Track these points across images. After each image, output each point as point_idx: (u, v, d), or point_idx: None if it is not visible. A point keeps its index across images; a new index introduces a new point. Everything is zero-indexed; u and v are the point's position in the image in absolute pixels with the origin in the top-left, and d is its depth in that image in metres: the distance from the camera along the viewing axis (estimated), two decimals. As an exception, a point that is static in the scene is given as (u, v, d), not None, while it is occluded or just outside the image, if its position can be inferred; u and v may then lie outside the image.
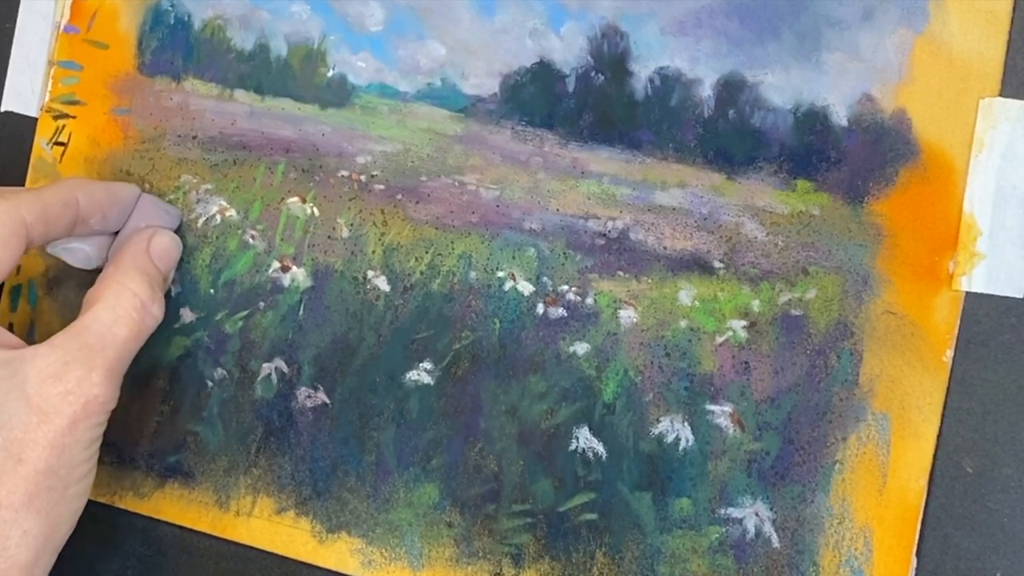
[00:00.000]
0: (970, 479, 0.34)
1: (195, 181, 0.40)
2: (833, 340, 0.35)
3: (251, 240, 0.40)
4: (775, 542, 0.35)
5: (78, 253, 0.37)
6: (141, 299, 0.35)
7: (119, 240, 0.38)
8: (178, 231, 0.39)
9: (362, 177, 0.39)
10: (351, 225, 0.39)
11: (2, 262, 0.33)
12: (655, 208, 0.36)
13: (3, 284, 0.33)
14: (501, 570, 0.37)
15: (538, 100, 0.37)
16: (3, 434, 0.32)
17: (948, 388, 0.34)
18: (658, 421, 0.36)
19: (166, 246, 0.38)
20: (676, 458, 0.36)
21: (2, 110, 0.42)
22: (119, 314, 0.35)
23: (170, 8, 0.41)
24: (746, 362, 0.35)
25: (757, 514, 0.35)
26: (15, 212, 0.33)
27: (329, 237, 0.39)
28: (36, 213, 0.34)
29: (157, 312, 0.36)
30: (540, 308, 0.37)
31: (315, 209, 0.39)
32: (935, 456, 0.34)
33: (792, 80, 0.36)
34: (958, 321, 0.34)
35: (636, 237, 0.37)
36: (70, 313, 0.41)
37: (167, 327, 0.40)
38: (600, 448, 0.36)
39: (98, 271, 0.37)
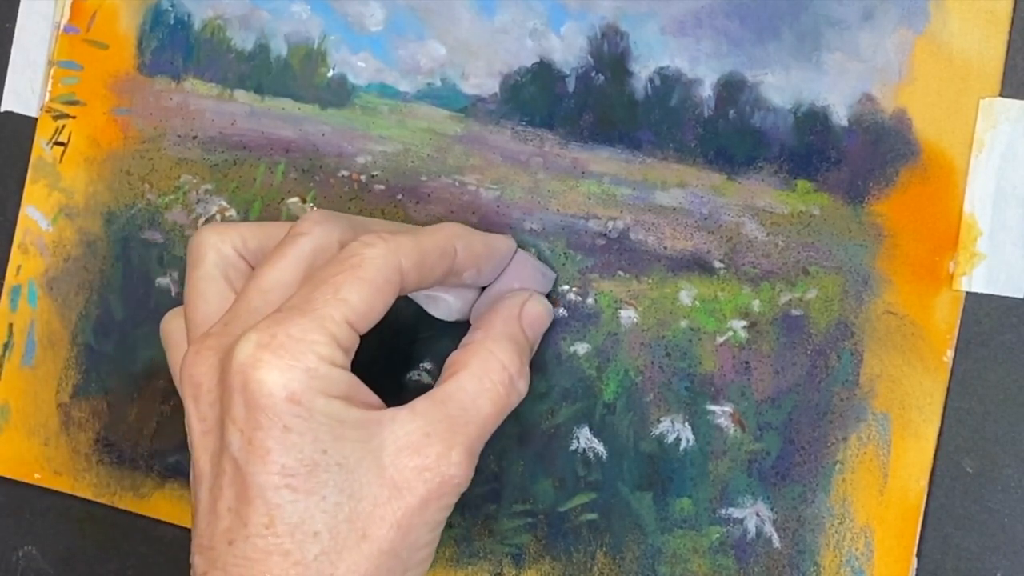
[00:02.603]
0: (970, 479, 0.34)
1: (195, 181, 0.40)
2: (833, 340, 0.35)
3: (251, 240, 0.40)
4: (776, 542, 0.35)
5: (442, 304, 0.35)
6: (510, 372, 0.32)
7: (487, 298, 0.35)
8: (549, 296, 0.36)
9: (362, 177, 0.39)
10: (351, 225, 0.39)
11: (373, 310, 0.30)
12: (655, 208, 0.36)
13: (367, 332, 0.30)
14: (502, 570, 0.37)
15: (538, 100, 0.37)
16: (351, 504, 0.29)
17: (948, 388, 0.34)
18: (659, 421, 0.36)
19: (539, 314, 0.35)
20: (677, 458, 0.36)
21: (2, 110, 0.42)
22: (485, 387, 0.31)
23: (170, 8, 0.41)
24: (747, 362, 0.35)
25: (758, 514, 0.35)
26: (393, 257, 0.30)
27: (329, 237, 0.39)
28: (414, 260, 0.31)
29: (523, 388, 0.32)
30: (540, 308, 0.37)
31: (314, 208, 0.39)
32: (936, 456, 0.34)
33: (792, 80, 0.36)
34: (958, 321, 0.34)
35: (636, 237, 0.37)
36: (70, 313, 0.41)
37: (167, 327, 0.40)
38: (601, 448, 0.36)
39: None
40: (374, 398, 0.30)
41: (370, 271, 0.29)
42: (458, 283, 0.34)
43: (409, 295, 0.34)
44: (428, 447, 0.30)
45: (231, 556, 0.28)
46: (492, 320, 0.33)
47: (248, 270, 0.33)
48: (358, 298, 0.29)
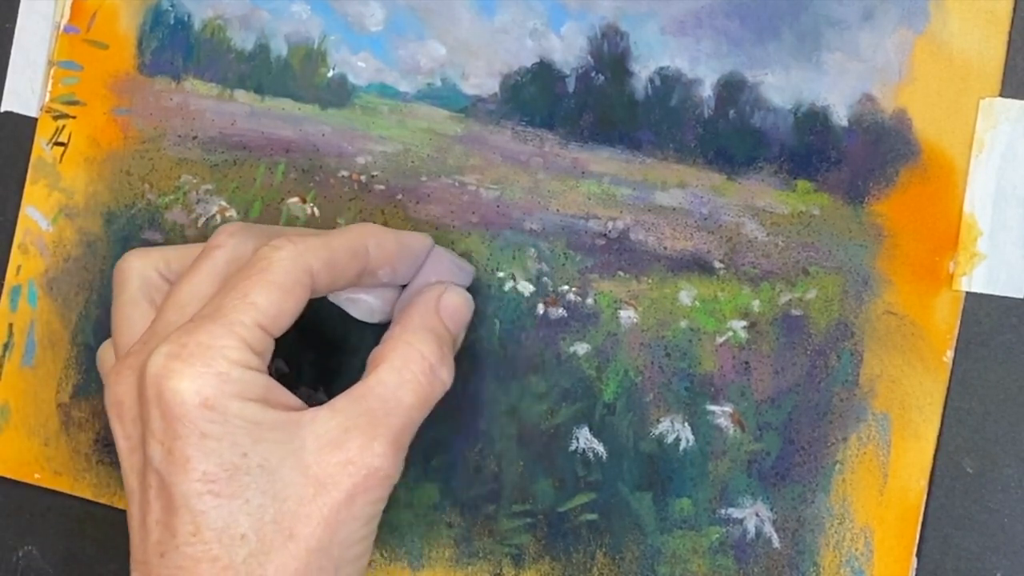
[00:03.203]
0: (970, 479, 0.34)
1: (195, 181, 0.40)
2: (833, 340, 0.35)
3: (251, 240, 0.40)
4: (775, 542, 0.35)
5: (362, 305, 0.35)
6: (430, 362, 0.32)
7: (407, 295, 0.35)
8: (469, 289, 0.36)
9: (362, 177, 0.39)
10: (351, 225, 0.39)
11: (285, 312, 0.30)
12: (655, 208, 0.36)
13: (278, 336, 0.31)
14: (501, 570, 0.37)
15: (538, 100, 0.37)
16: (276, 505, 0.29)
17: (948, 388, 0.34)
18: (658, 421, 0.36)
19: (458, 305, 0.34)
20: (676, 458, 0.36)
21: (2, 110, 0.42)
22: (405, 378, 0.31)
23: (170, 8, 0.41)
24: (746, 362, 0.35)
25: (757, 514, 0.35)
26: (301, 259, 0.30)
27: (329, 237, 0.39)
28: (323, 260, 0.31)
29: (446, 377, 0.32)
30: (540, 308, 0.37)
31: (315, 209, 0.39)
32: (935, 456, 0.34)
33: (792, 80, 0.36)
34: (958, 321, 0.34)
35: (636, 237, 0.37)
36: (70, 313, 0.41)
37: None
38: (600, 448, 0.36)
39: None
40: (293, 400, 0.30)
41: (278, 273, 0.30)
42: (375, 282, 0.34)
43: (329, 298, 0.35)
44: (349, 441, 0.30)
45: (164, 568, 0.29)
46: (410, 314, 0.33)
47: None
48: (267, 301, 0.29)
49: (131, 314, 0.33)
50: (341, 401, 0.30)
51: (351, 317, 0.35)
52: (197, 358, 0.28)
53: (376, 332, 0.34)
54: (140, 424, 0.30)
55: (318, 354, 0.38)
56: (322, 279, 0.31)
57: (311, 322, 0.31)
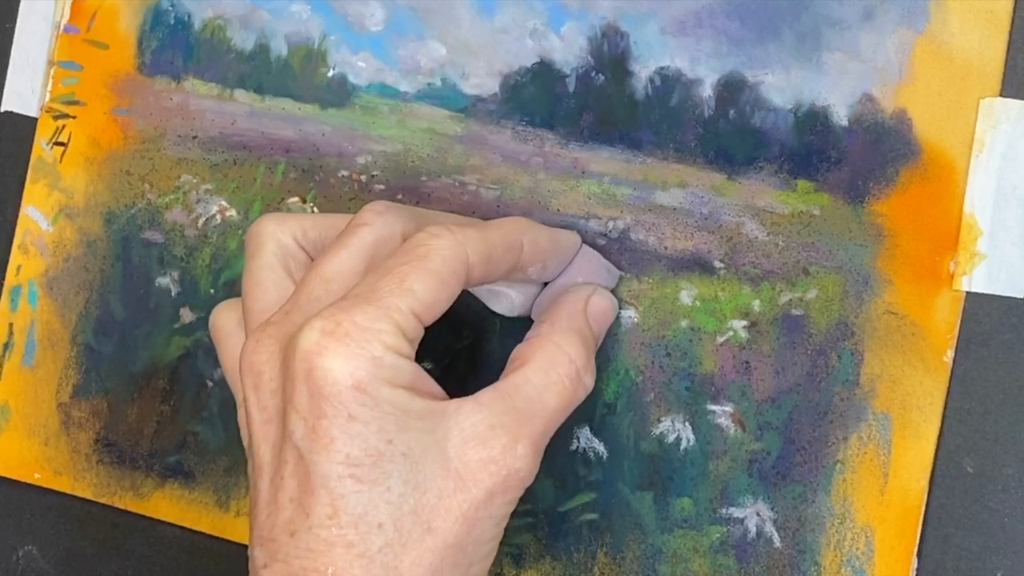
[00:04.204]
0: (971, 479, 0.34)
1: (195, 181, 0.40)
2: (834, 340, 0.35)
3: (251, 240, 0.40)
4: (776, 542, 0.35)
5: (504, 299, 0.34)
6: (576, 366, 0.31)
7: (550, 293, 0.34)
8: (613, 292, 0.36)
9: (362, 177, 0.39)
10: (351, 225, 0.39)
11: (439, 301, 0.29)
12: (656, 208, 0.36)
13: (429, 324, 0.30)
14: (502, 570, 0.37)
15: (538, 100, 0.38)
16: (416, 496, 0.28)
17: (949, 388, 0.34)
18: (659, 421, 0.36)
19: (605, 308, 0.34)
20: (677, 458, 0.36)
21: (2, 110, 0.42)
22: (551, 380, 0.31)
23: (170, 8, 0.41)
24: (747, 362, 0.35)
25: (758, 514, 0.35)
26: (460, 249, 0.29)
27: (329, 237, 0.39)
28: (480, 253, 0.30)
29: (589, 382, 0.32)
30: (541, 308, 0.37)
31: (315, 209, 0.39)
32: (936, 456, 0.34)
33: (792, 80, 0.36)
34: (959, 321, 0.34)
35: (637, 237, 0.37)
36: (70, 313, 0.41)
37: (167, 327, 0.40)
38: (601, 448, 0.36)
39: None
40: (438, 389, 0.30)
41: (437, 262, 0.29)
42: (522, 278, 0.33)
43: (471, 289, 0.34)
44: (494, 439, 0.29)
45: (293, 548, 0.28)
46: (558, 314, 0.32)
47: (308, 261, 0.33)
48: (424, 289, 0.29)
49: (265, 280, 0.32)
50: (487, 395, 0.30)
51: (474, 313, 0.35)
52: (352, 338, 0.27)
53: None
54: (280, 396, 0.29)
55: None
56: (477, 272, 0.30)
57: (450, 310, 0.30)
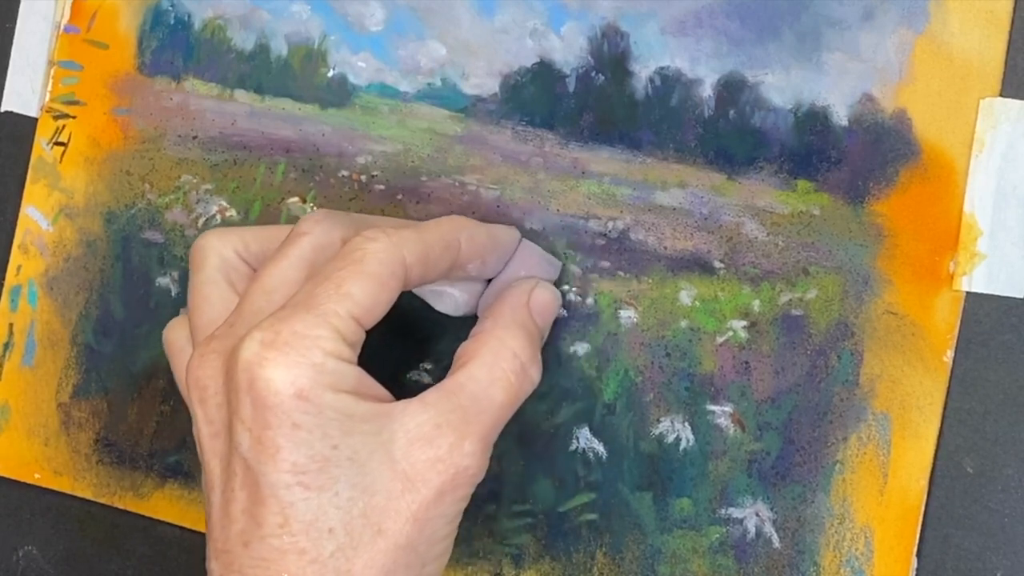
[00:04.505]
0: (970, 479, 0.34)
1: (195, 181, 0.40)
2: (833, 340, 0.35)
3: (251, 240, 0.40)
4: (776, 542, 0.35)
5: (447, 299, 0.35)
6: (521, 360, 0.31)
7: (493, 289, 0.35)
8: (556, 283, 0.36)
9: (362, 177, 0.39)
10: (351, 225, 0.39)
11: (378, 304, 0.29)
12: (655, 208, 0.36)
13: (370, 328, 0.30)
14: (501, 570, 0.37)
15: (538, 100, 0.37)
16: (365, 499, 0.28)
17: (949, 388, 0.34)
18: (658, 421, 0.36)
19: (548, 301, 0.34)
20: (676, 458, 0.36)
21: (2, 110, 0.42)
22: (496, 375, 0.31)
23: (170, 8, 0.41)
24: (746, 362, 0.35)
25: (758, 514, 0.35)
26: (396, 251, 0.30)
27: (329, 237, 0.39)
28: (417, 254, 0.30)
29: (535, 375, 0.32)
30: (540, 308, 0.37)
31: (315, 209, 0.39)
32: (936, 456, 0.34)
33: (792, 80, 0.36)
34: (959, 321, 0.34)
35: (636, 237, 0.37)
36: (70, 313, 0.41)
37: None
38: (600, 448, 0.36)
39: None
40: (383, 391, 0.30)
41: (373, 265, 0.29)
42: (463, 276, 0.34)
43: (413, 290, 0.34)
44: (440, 438, 0.29)
45: (247, 558, 0.28)
46: (500, 309, 0.33)
47: (250, 273, 0.33)
48: (362, 292, 0.29)
49: (210, 294, 0.33)
50: (432, 395, 0.30)
51: (433, 310, 0.35)
52: (292, 347, 0.28)
53: (457, 325, 0.34)
54: (226, 410, 0.29)
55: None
56: (415, 272, 0.31)
57: (392, 314, 0.31)
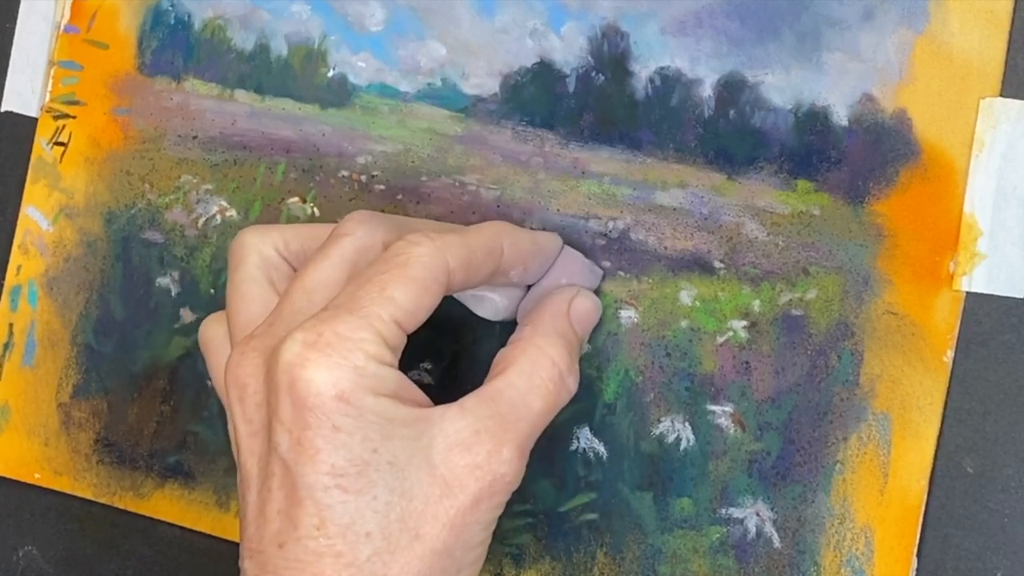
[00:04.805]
0: (971, 479, 0.34)
1: (195, 181, 0.40)
2: (834, 340, 0.35)
3: (251, 240, 0.39)
4: (776, 542, 0.35)
5: (487, 303, 0.34)
6: (559, 368, 0.31)
7: (534, 295, 0.34)
8: (596, 292, 0.36)
9: (362, 177, 0.39)
10: (351, 225, 0.39)
11: (420, 308, 0.29)
12: (656, 208, 0.36)
13: (412, 332, 0.30)
14: (501, 570, 0.37)
15: (538, 100, 0.37)
16: (403, 504, 0.28)
17: (949, 388, 0.34)
18: (659, 421, 0.36)
19: (588, 310, 0.34)
20: (677, 458, 0.36)
21: (2, 110, 0.42)
22: (535, 383, 0.31)
23: (170, 8, 0.41)
24: (747, 362, 0.35)
25: (758, 514, 0.35)
26: (440, 256, 0.30)
27: (329, 237, 0.39)
28: (461, 259, 0.30)
29: (573, 385, 0.32)
30: (541, 308, 0.37)
31: (315, 209, 0.39)
32: (936, 456, 0.34)
33: (792, 80, 0.36)
34: (959, 321, 0.34)
35: (637, 237, 0.37)
36: (70, 313, 0.41)
37: (167, 327, 0.40)
38: (601, 448, 0.36)
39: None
40: (422, 396, 0.30)
41: (417, 270, 0.29)
42: (504, 281, 0.33)
43: (454, 295, 0.34)
44: (479, 444, 0.29)
45: (282, 559, 0.28)
46: (541, 316, 0.32)
47: (290, 272, 0.33)
48: (405, 297, 0.29)
49: (249, 292, 0.32)
50: (470, 401, 0.30)
51: (473, 314, 0.35)
52: (334, 349, 0.28)
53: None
54: (264, 409, 0.29)
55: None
56: (458, 277, 0.30)
57: (434, 316, 0.31)
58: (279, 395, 0.28)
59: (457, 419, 0.29)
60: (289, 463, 0.28)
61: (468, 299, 0.35)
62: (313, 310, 0.29)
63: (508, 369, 0.31)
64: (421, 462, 0.29)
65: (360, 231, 0.31)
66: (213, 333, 0.34)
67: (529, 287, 0.35)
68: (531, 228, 0.36)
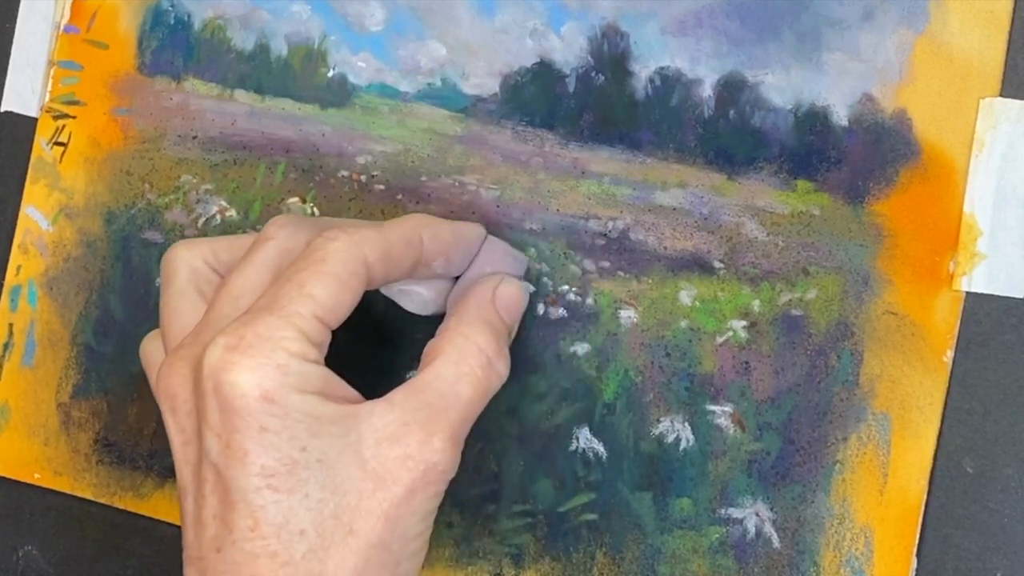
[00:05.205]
0: (970, 479, 0.34)
1: (195, 181, 0.40)
2: (833, 340, 0.35)
3: (251, 240, 0.40)
4: (776, 542, 0.35)
5: (415, 297, 0.34)
6: (487, 355, 0.31)
7: (460, 286, 0.34)
8: (525, 278, 0.36)
9: (362, 177, 0.39)
10: (351, 225, 0.39)
11: (342, 304, 0.29)
12: (655, 208, 0.36)
13: (335, 327, 0.30)
14: (501, 570, 0.37)
15: (538, 100, 0.37)
16: (335, 500, 0.28)
17: (948, 388, 0.34)
18: (658, 421, 0.36)
19: (513, 296, 0.34)
20: (676, 458, 0.36)
21: (2, 110, 0.42)
22: (463, 371, 0.31)
23: (170, 8, 0.41)
24: (746, 362, 0.35)
25: (758, 514, 0.35)
26: (357, 250, 0.30)
27: (329, 237, 0.39)
28: (379, 252, 0.30)
29: (503, 370, 0.32)
30: (540, 308, 0.37)
31: (315, 209, 0.39)
32: (935, 456, 0.34)
33: (792, 80, 0.36)
34: (958, 321, 0.34)
35: (636, 237, 0.37)
36: (70, 313, 0.41)
37: (167, 327, 0.40)
38: (600, 448, 0.36)
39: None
40: (351, 392, 0.30)
41: (334, 264, 0.29)
42: (429, 274, 0.33)
43: (382, 291, 0.34)
44: (408, 436, 0.29)
45: (220, 563, 0.28)
46: (465, 305, 0.33)
47: (220, 282, 0.33)
48: (324, 292, 0.29)
49: (180, 305, 0.33)
50: (399, 394, 0.30)
51: (401, 309, 0.35)
52: (256, 350, 0.28)
53: (427, 324, 0.34)
54: (195, 417, 0.29)
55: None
56: (377, 270, 0.31)
57: (361, 314, 0.31)
58: (206, 400, 0.28)
59: (385, 413, 0.29)
60: (220, 467, 0.28)
61: (396, 294, 0.34)
62: (238, 315, 0.30)
63: (435, 360, 0.31)
64: (351, 457, 0.29)
65: (282, 234, 0.32)
66: (151, 349, 0.34)
67: (457, 280, 0.35)
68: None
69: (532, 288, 0.36)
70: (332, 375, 0.29)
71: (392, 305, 0.35)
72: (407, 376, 0.38)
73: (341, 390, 0.30)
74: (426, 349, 0.32)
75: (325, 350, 0.30)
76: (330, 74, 0.39)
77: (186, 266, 0.33)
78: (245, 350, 0.28)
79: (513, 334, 0.34)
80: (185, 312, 0.33)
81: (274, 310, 0.29)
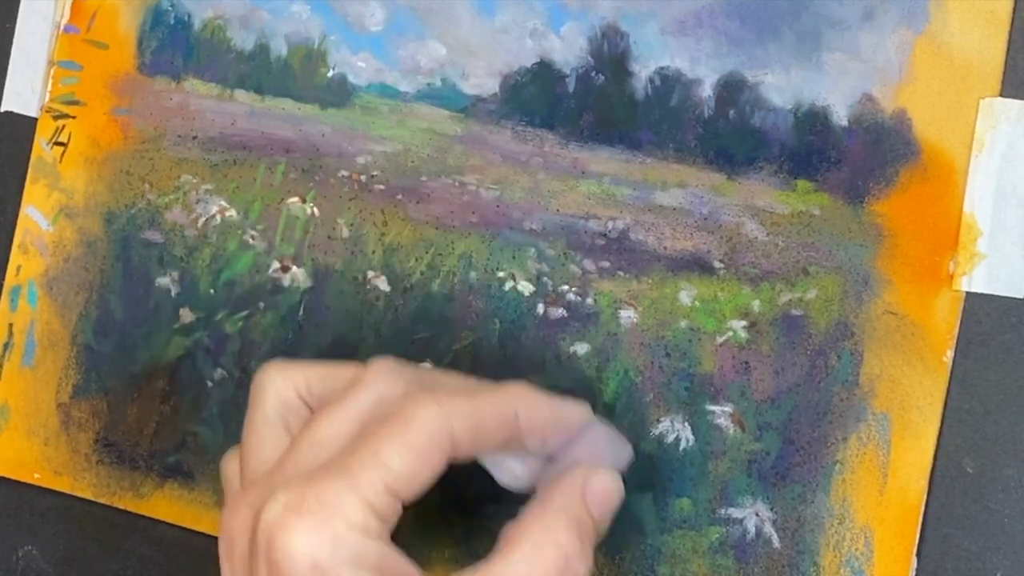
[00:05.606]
0: (970, 479, 0.34)
1: (195, 181, 0.40)
2: (833, 340, 0.35)
3: (251, 240, 0.40)
4: (775, 542, 0.35)
5: (506, 471, 0.32)
6: (566, 553, 0.28)
7: (554, 468, 0.31)
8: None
9: (362, 177, 0.39)
10: (351, 225, 0.39)
11: (419, 477, 0.27)
12: (655, 208, 0.36)
13: (411, 500, 0.28)
14: (501, 570, 0.37)
15: (538, 100, 0.37)
16: None
17: (948, 388, 0.34)
18: (658, 421, 0.36)
19: (608, 490, 0.30)
20: (676, 458, 0.36)
21: (2, 110, 0.42)
22: (536, 569, 0.28)
23: (170, 8, 0.41)
24: (746, 362, 0.35)
25: (757, 514, 0.35)
26: (443, 421, 0.28)
27: (329, 237, 0.39)
28: (467, 426, 0.28)
29: (582, 570, 0.28)
30: (540, 308, 0.37)
31: (315, 209, 0.39)
32: (935, 456, 0.34)
33: (792, 80, 0.36)
34: (958, 321, 0.34)
35: (636, 237, 0.37)
36: (70, 313, 0.41)
37: (167, 327, 0.40)
38: (600, 448, 0.36)
39: None
40: (411, 570, 0.28)
41: (416, 434, 0.27)
42: (521, 448, 0.31)
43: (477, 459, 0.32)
44: None
45: None
46: (552, 493, 0.30)
47: (309, 415, 0.31)
48: (400, 462, 0.27)
49: (264, 435, 0.31)
50: None
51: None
52: (314, 514, 0.26)
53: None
54: (248, 566, 0.28)
55: (318, 354, 0.38)
56: (464, 445, 0.28)
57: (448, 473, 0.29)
58: (258, 556, 0.27)
59: None
60: None
61: (488, 463, 0.32)
62: (316, 465, 0.28)
63: (512, 550, 0.28)
64: None
65: (380, 383, 0.30)
66: (231, 471, 0.33)
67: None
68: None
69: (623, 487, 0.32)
70: (393, 552, 0.28)
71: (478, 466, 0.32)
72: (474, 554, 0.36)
73: (401, 568, 0.28)
74: (503, 531, 0.29)
75: (392, 524, 0.28)
76: (330, 74, 0.39)
77: (275, 394, 0.31)
78: (304, 513, 0.26)
79: (603, 533, 0.31)
80: (267, 443, 0.31)
81: (343, 474, 0.27)
